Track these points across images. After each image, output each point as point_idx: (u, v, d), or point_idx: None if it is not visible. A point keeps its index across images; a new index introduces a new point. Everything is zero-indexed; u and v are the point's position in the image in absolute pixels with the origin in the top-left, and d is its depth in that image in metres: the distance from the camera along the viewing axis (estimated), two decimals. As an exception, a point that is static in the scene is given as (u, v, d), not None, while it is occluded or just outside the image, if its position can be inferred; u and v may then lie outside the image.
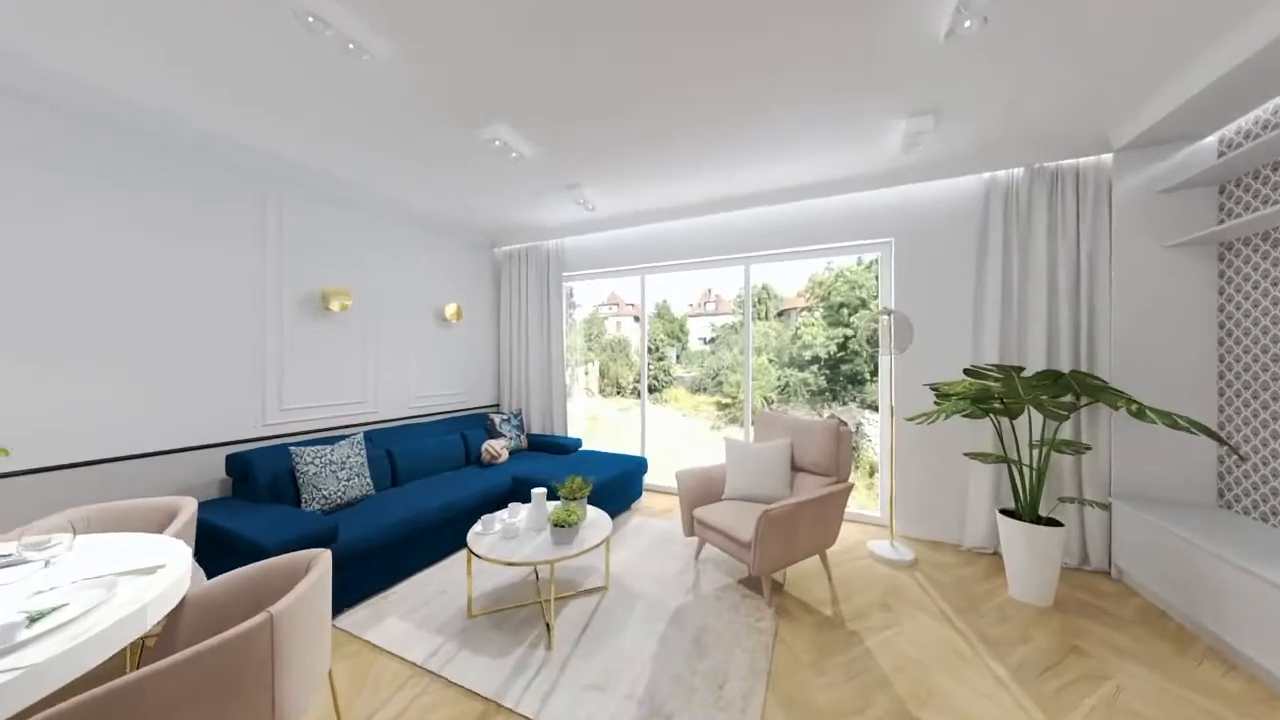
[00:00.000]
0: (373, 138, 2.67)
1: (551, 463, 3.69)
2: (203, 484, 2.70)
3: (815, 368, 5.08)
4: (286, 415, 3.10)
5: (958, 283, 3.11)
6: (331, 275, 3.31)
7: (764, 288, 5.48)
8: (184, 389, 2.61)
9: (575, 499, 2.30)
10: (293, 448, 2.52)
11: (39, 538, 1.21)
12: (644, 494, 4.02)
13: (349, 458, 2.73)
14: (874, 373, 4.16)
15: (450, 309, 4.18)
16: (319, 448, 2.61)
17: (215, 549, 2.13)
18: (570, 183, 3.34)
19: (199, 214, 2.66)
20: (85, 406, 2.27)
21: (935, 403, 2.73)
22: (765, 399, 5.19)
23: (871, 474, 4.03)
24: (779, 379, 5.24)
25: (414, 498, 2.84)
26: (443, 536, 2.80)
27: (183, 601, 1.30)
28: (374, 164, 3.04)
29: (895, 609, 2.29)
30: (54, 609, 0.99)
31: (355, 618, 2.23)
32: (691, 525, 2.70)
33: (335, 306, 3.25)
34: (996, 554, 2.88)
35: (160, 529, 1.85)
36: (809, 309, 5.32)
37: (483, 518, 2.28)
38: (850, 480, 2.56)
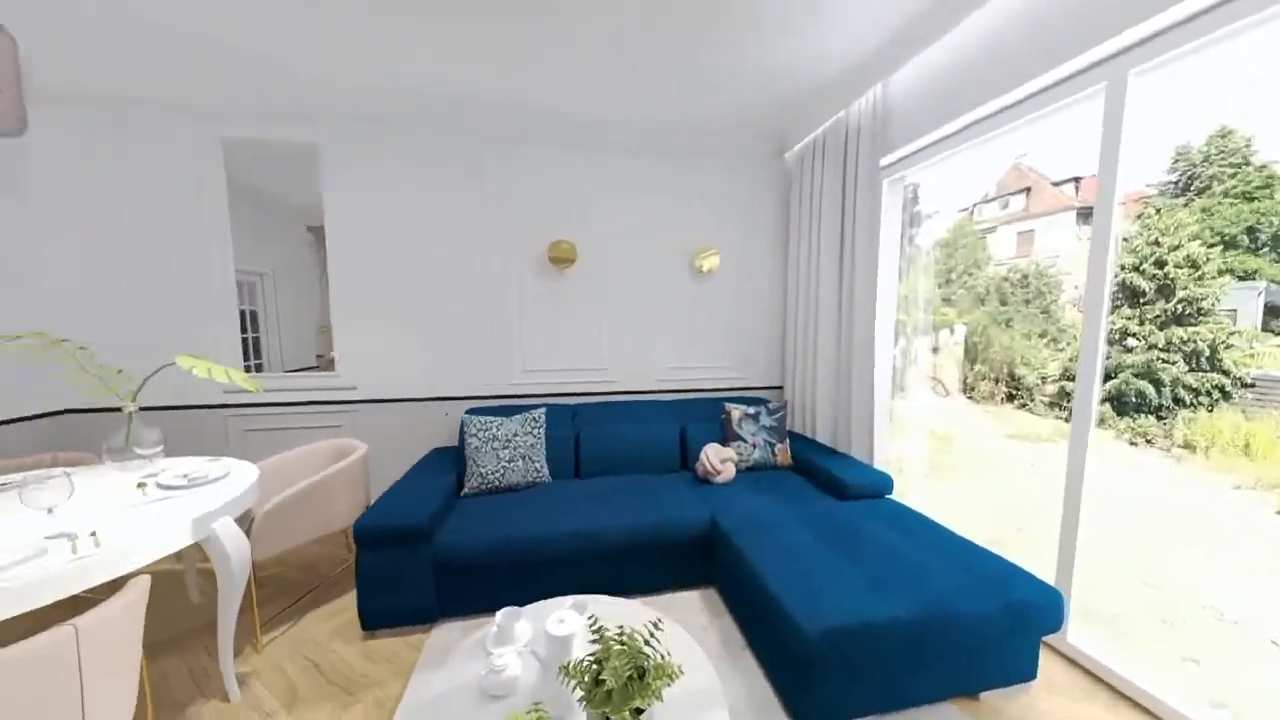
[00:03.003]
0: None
1: (804, 511, 2.10)
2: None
3: None
4: (529, 378, 3.09)
5: None
6: (557, 229, 2.97)
7: None
8: (451, 345, 2.94)
9: None
10: (466, 414, 2.33)
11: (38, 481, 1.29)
12: (1041, 666, 1.59)
13: (516, 435, 2.31)
14: None
15: (706, 258, 3.11)
16: (487, 419, 2.31)
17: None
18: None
19: (448, 179, 2.85)
20: (400, 357, 2.89)
21: None
22: None
23: None
24: None
25: (573, 504, 2.14)
26: (591, 570, 2.00)
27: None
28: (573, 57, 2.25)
29: None
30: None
31: (443, 636, 1.84)
32: None
33: (561, 263, 2.93)
34: None
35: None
36: None
37: (501, 616, 1.27)
38: None
